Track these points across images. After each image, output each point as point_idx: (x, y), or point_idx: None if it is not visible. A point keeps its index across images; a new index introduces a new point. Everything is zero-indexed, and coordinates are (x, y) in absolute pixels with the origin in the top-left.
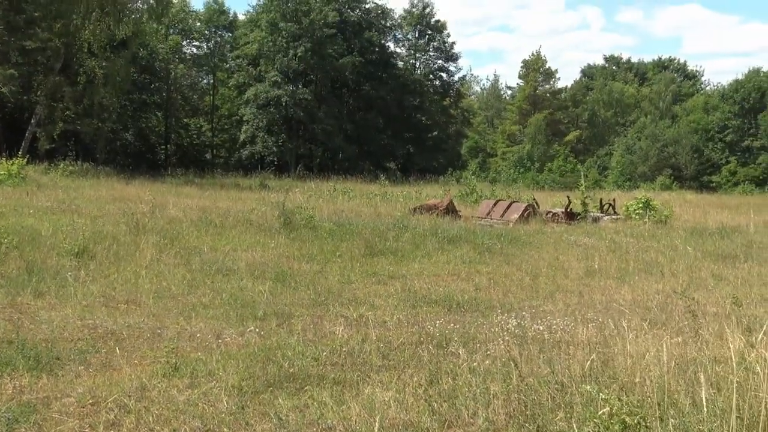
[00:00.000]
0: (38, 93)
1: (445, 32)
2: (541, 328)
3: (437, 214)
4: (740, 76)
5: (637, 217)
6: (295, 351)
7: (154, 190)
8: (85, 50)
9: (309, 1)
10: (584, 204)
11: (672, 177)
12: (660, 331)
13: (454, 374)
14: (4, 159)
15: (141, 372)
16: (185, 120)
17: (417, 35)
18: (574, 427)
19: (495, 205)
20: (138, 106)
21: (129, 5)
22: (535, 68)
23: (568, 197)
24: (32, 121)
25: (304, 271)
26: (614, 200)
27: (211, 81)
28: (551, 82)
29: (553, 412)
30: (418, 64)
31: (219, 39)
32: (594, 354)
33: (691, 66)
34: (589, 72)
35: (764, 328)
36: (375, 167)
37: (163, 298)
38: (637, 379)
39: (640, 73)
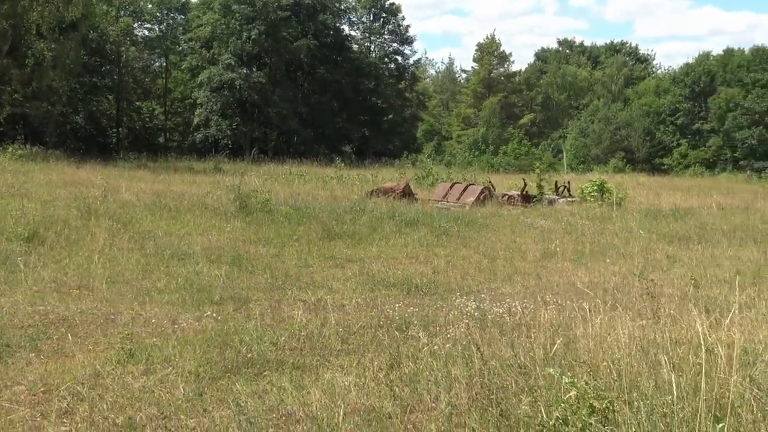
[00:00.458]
0: None
1: (400, 15)
2: (500, 310)
3: (394, 197)
4: (691, 60)
5: (592, 199)
6: (253, 336)
7: (106, 174)
8: (34, 32)
9: None
10: (540, 187)
11: (624, 159)
12: (619, 313)
13: (415, 358)
14: None
15: (94, 359)
16: (137, 103)
17: (372, 18)
18: (542, 411)
19: (451, 187)
20: (89, 89)
21: None
22: (490, 52)
23: (523, 180)
24: None
25: (261, 255)
26: (569, 183)
27: (164, 64)
28: (505, 66)
29: (516, 396)
30: (373, 47)
31: (171, 21)
32: (556, 337)
33: (643, 50)
34: (542, 55)
35: (732, 310)
36: (330, 151)
37: (116, 284)
38: (600, 363)
39: (592, 56)
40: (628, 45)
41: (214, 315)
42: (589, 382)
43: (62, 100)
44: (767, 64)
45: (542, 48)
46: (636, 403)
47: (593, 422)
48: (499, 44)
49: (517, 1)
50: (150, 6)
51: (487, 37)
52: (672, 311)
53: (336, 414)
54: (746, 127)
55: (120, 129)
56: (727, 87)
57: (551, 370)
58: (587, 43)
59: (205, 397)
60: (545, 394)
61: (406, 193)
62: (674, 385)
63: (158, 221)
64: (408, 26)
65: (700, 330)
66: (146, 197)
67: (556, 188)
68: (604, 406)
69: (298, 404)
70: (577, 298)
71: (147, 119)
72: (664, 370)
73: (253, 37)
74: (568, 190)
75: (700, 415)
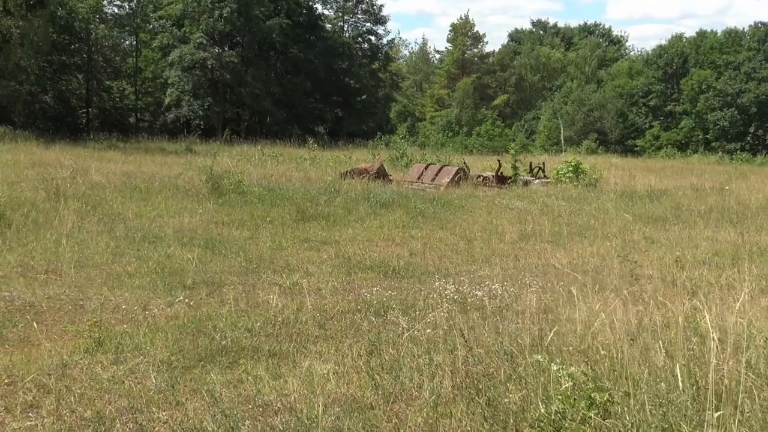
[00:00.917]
0: None
1: None
2: (480, 293)
3: (368, 179)
4: (663, 42)
5: (567, 180)
6: (227, 322)
7: (75, 154)
8: (0, 9)
9: None
10: (515, 168)
11: (597, 141)
12: (602, 295)
13: (396, 344)
14: None
15: (62, 348)
16: (107, 82)
17: None
18: (534, 403)
19: (426, 168)
20: (57, 67)
21: None
22: (463, 32)
23: (498, 161)
24: None
25: (234, 238)
26: (543, 164)
27: (134, 42)
28: (479, 47)
29: (503, 384)
30: (346, 27)
31: None
32: (542, 322)
33: (616, 31)
34: (516, 36)
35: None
36: (304, 131)
37: (85, 268)
38: (589, 349)
39: (566, 38)
40: (601, 27)
41: (187, 300)
42: (586, 372)
43: (30, 79)
44: (739, 46)
45: (516, 29)
46: (638, 397)
47: (593, 416)
48: (473, 25)
49: None
50: None
51: (460, 18)
52: (659, 295)
53: (315, 404)
54: (718, 109)
55: (90, 109)
56: (700, 69)
57: (539, 357)
58: (561, 25)
59: (177, 387)
60: (532, 382)
61: (381, 174)
62: (677, 378)
63: (128, 203)
64: (381, 6)
65: (689, 314)
66: (116, 178)
67: (531, 169)
68: (605, 398)
69: (275, 395)
70: (557, 280)
71: (117, 99)
72: (658, 356)
73: (224, 15)
74: (543, 171)
75: (698, 404)
